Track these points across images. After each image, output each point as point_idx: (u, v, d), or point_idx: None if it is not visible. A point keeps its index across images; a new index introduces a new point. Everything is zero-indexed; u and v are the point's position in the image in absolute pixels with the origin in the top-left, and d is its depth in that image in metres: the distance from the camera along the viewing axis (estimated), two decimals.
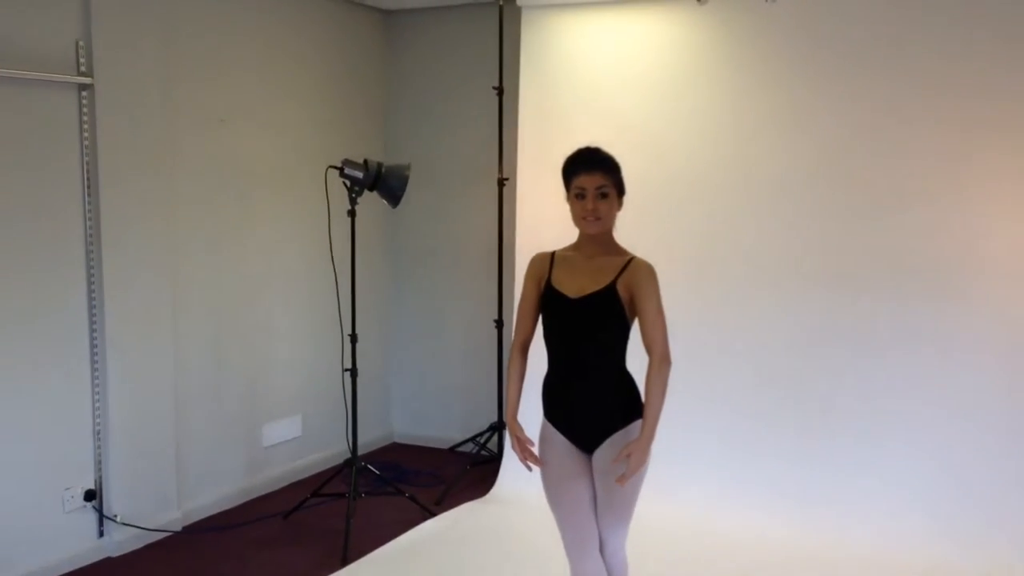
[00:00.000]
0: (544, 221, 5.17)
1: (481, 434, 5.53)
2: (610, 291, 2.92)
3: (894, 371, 4.38)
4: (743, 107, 4.70)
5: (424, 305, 6.03)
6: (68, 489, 4.10)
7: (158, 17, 4.34)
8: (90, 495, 4.18)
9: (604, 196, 2.89)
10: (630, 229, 4.96)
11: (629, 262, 2.95)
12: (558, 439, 3.03)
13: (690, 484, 4.63)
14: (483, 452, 5.45)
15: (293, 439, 5.33)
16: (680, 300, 4.82)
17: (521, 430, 3.06)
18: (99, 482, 4.22)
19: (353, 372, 4.58)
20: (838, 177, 4.49)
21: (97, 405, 4.18)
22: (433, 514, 4.74)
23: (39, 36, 3.89)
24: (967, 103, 4.25)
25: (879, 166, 4.42)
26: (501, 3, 5.20)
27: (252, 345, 5.03)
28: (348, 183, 4.44)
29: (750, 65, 4.65)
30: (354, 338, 4.59)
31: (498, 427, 5.42)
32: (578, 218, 2.94)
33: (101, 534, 4.25)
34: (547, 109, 5.12)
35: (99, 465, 4.22)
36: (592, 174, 2.89)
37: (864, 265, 4.45)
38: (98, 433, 4.20)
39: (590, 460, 3.03)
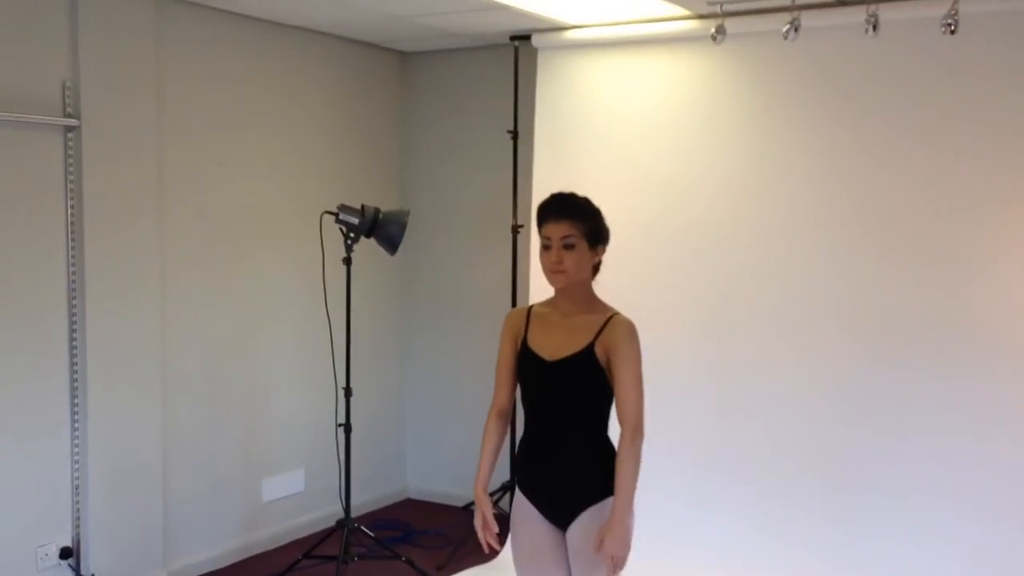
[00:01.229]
0: None
1: (495, 492, 5.25)
2: (587, 354, 2.65)
3: (929, 446, 3.98)
4: (767, 148, 4.39)
5: (439, 356, 5.79)
6: (42, 546, 3.93)
7: (151, 57, 4.21)
8: (66, 552, 3.99)
9: (570, 247, 2.63)
10: (646, 278, 4.80)
11: (608, 320, 2.67)
12: (532, 514, 2.77)
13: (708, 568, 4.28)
14: (496, 511, 5.15)
15: (295, 494, 5.11)
16: (698, 356, 4.60)
17: (489, 506, 2.80)
18: (76, 539, 4.04)
19: (347, 427, 4.36)
20: (873, 222, 4.12)
21: (76, 457, 4.01)
22: None
23: (23, 76, 3.79)
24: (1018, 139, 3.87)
25: (920, 210, 4.04)
26: (516, 45, 5.01)
27: (250, 396, 4.84)
28: (344, 229, 4.25)
29: (772, 103, 4.36)
30: (348, 391, 4.37)
31: (510, 486, 5.13)
32: (544, 270, 2.69)
33: None
34: (562, 152, 4.89)
35: (77, 521, 4.04)
36: (558, 223, 2.64)
37: (902, 322, 4.06)
38: (76, 487, 4.03)
39: (563, 536, 2.76)
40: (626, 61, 4.70)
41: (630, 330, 2.66)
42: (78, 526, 4.04)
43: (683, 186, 4.57)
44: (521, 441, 2.82)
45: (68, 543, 4.01)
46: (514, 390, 2.84)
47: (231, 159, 4.67)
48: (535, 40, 4.86)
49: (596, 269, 2.76)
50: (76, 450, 4.01)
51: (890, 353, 4.06)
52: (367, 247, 4.44)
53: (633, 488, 2.60)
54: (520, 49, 5.03)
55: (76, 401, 4.00)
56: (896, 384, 4.05)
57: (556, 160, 4.89)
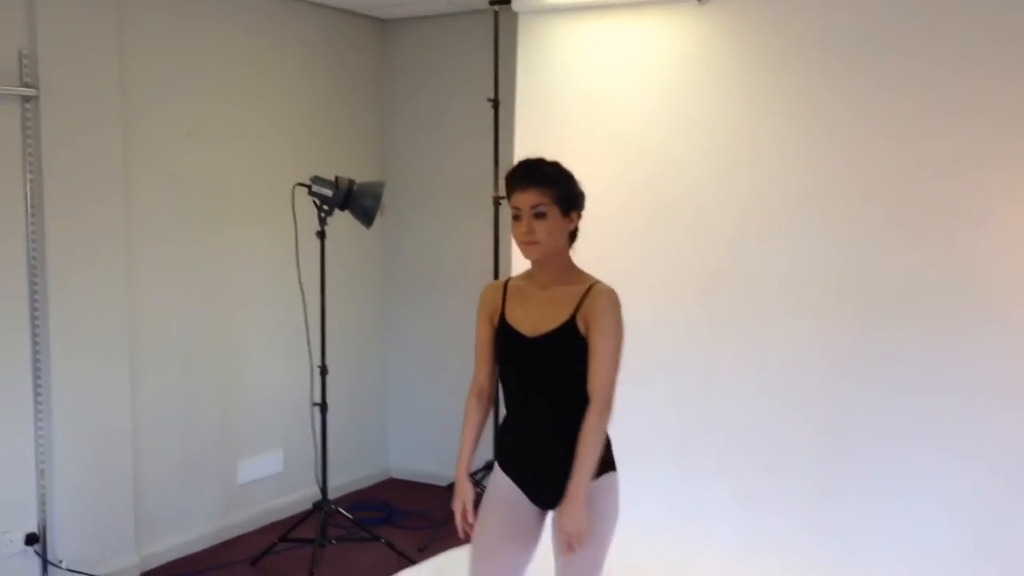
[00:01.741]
0: None
1: (478, 472, 5.12)
2: (569, 328, 2.51)
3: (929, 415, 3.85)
4: (757, 113, 4.21)
5: (421, 331, 5.65)
6: (5, 533, 3.79)
7: (113, 23, 4.03)
8: (32, 539, 3.85)
9: (541, 216, 2.48)
10: (634, 250, 4.64)
11: (589, 289, 2.53)
12: (511, 490, 2.63)
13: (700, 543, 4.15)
14: (479, 489, 5.02)
15: (273, 475, 4.98)
16: (689, 329, 4.45)
17: (471, 493, 2.67)
18: (42, 524, 3.90)
19: (323, 406, 4.22)
20: (871, 187, 3.93)
21: (41, 440, 3.87)
22: (412, 562, 4.33)
23: None
24: None
25: (922, 172, 3.85)
26: (496, 9, 4.83)
27: (225, 375, 4.69)
28: (317, 202, 4.09)
29: (762, 66, 4.17)
30: (323, 370, 4.23)
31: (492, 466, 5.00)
32: (517, 243, 2.54)
33: None
34: (544, 121, 4.72)
35: (43, 506, 3.90)
36: (526, 191, 2.49)
37: (906, 292, 3.89)
38: (42, 471, 3.88)
39: (543, 518, 2.63)
40: (610, 25, 4.52)
41: (611, 299, 2.52)
42: (44, 511, 3.90)
43: (672, 154, 4.41)
44: (504, 420, 2.69)
45: (34, 529, 3.87)
46: (494, 369, 2.71)
47: (200, 130, 4.50)
48: (515, 4, 4.67)
49: (573, 237, 2.61)
50: (40, 432, 3.86)
51: (895, 319, 3.90)
52: (344, 220, 4.29)
53: (593, 465, 2.47)
54: (500, 14, 4.85)
55: (39, 382, 3.84)
56: (889, 348, 3.90)
57: (538, 129, 4.72)
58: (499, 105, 4.90)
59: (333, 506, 4.29)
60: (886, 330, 3.92)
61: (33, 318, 3.82)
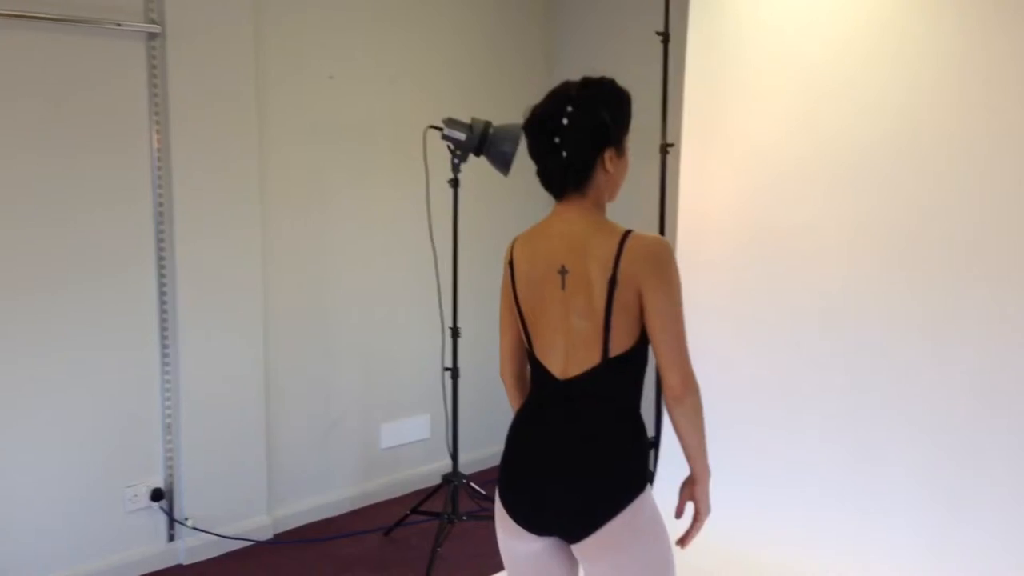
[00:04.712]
0: (710, 198, 4.21)
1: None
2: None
3: None
4: (972, 55, 3.45)
5: None
6: (131, 486, 3.69)
7: None
8: (157, 495, 3.75)
9: None
10: (814, 202, 3.97)
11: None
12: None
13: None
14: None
15: (419, 441, 4.71)
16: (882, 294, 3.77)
17: None
18: (169, 480, 3.79)
19: (454, 372, 3.87)
20: None
21: (168, 393, 3.74)
22: None
23: None
24: None
25: None
26: None
27: (366, 335, 4.44)
28: (451, 146, 3.72)
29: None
30: (455, 332, 3.87)
31: (654, 442, 4.50)
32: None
33: (171, 538, 3.82)
34: (719, 60, 4.12)
35: (169, 461, 3.78)
36: None
37: None
38: (168, 425, 3.76)
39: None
40: None
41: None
42: (171, 466, 3.79)
43: (871, 99, 3.69)
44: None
45: (160, 484, 3.77)
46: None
47: (343, 71, 4.22)
48: None
49: None
50: (168, 384, 3.74)
51: None
52: (506, 170, 3.86)
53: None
54: None
55: (166, 333, 3.71)
56: None
57: (712, 70, 4.13)
58: (669, 39, 4.33)
59: (464, 479, 3.94)
60: None
61: (159, 263, 3.68)
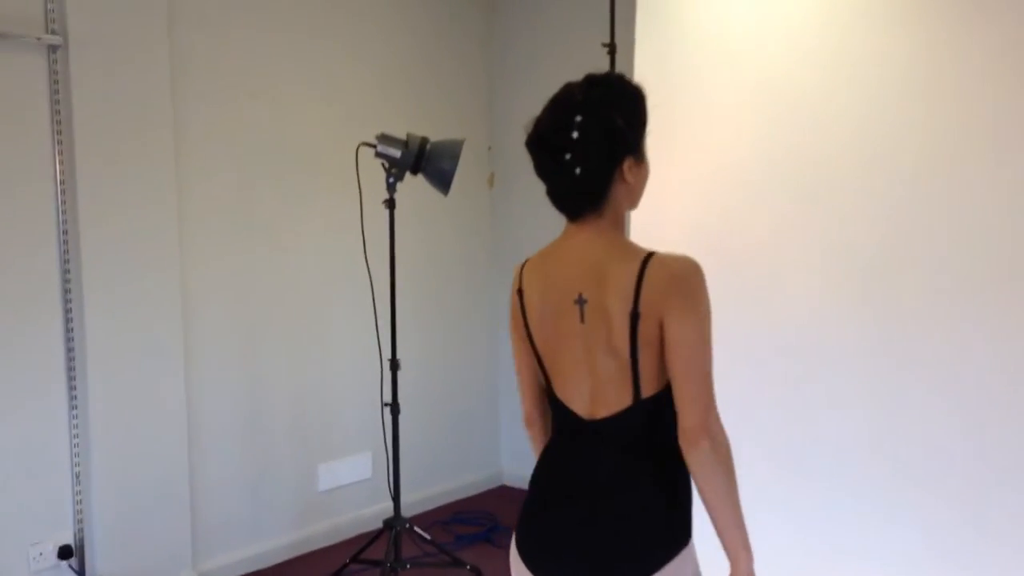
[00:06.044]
0: (663, 212, 3.98)
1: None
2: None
3: None
4: (937, 53, 3.27)
5: None
6: (36, 544, 3.33)
7: None
8: (65, 552, 3.40)
9: None
10: (774, 219, 3.77)
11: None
12: None
13: None
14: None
15: (360, 481, 4.39)
16: (847, 321, 3.57)
17: None
18: (78, 535, 3.44)
19: (394, 407, 3.58)
20: None
21: (76, 440, 3.40)
22: None
23: None
24: None
25: None
26: None
27: (300, 365, 4.14)
28: (386, 164, 3.45)
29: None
30: (394, 364, 3.59)
31: None
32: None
33: None
34: (667, 68, 3.91)
35: (79, 514, 3.43)
36: None
37: None
38: (77, 475, 3.42)
39: None
40: None
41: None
42: (81, 519, 3.44)
43: (829, 107, 3.50)
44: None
45: (69, 540, 3.41)
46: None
47: (265, 89, 3.94)
48: None
49: None
50: (75, 432, 3.40)
51: None
52: (459, 181, 3.61)
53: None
54: None
55: (72, 370, 3.37)
56: None
57: (660, 78, 3.91)
58: (615, 51, 4.13)
59: (408, 523, 3.64)
60: None
61: (65, 300, 3.35)
